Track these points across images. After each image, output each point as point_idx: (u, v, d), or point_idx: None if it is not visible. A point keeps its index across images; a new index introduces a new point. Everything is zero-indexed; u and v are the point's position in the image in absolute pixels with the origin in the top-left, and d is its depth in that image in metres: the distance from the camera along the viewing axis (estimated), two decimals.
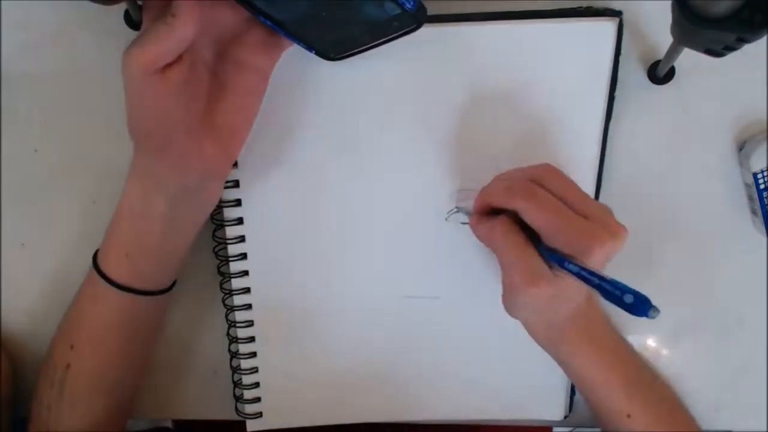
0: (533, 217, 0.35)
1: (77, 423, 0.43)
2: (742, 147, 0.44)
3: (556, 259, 0.35)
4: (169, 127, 0.34)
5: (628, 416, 0.43)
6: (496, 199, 0.38)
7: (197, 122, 0.36)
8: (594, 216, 0.36)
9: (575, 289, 0.37)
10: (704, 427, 0.49)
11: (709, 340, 0.48)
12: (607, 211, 0.37)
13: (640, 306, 0.32)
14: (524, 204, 0.36)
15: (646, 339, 0.48)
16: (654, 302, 0.33)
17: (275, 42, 0.37)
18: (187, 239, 0.41)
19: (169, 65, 0.32)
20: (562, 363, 0.44)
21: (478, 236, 0.40)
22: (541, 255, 0.36)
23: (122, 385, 0.45)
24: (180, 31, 0.31)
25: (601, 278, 0.33)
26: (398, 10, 0.33)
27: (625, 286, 0.32)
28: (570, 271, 0.35)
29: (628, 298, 0.32)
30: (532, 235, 0.37)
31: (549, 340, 0.42)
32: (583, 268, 0.34)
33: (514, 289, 0.37)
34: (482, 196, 0.39)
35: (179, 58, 0.33)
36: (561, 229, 0.35)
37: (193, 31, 0.31)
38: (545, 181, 0.37)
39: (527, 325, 0.42)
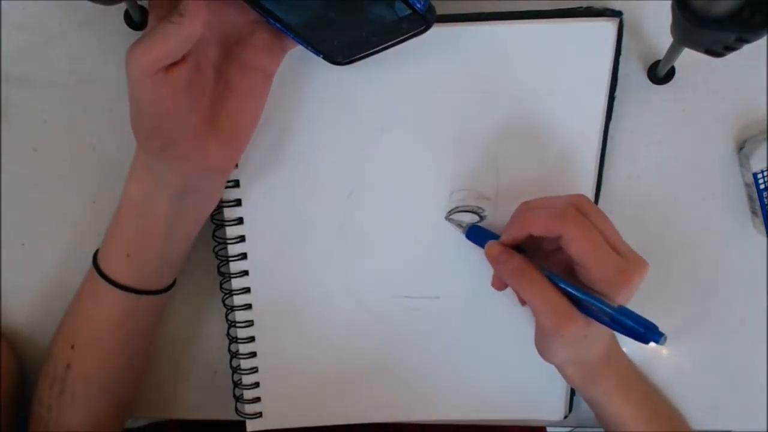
0: (580, 246, 0.35)
1: (78, 423, 0.43)
2: (742, 147, 0.44)
3: (583, 298, 0.36)
4: (174, 126, 0.34)
5: None
6: (540, 225, 0.37)
7: (202, 122, 0.36)
8: (625, 253, 0.36)
9: (605, 329, 0.38)
10: (704, 427, 0.49)
11: (709, 340, 0.48)
12: (632, 249, 0.37)
13: (652, 334, 0.34)
14: (575, 232, 0.35)
15: None
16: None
17: (280, 44, 0.37)
18: (188, 239, 0.41)
19: (173, 65, 0.32)
20: (593, 403, 0.45)
21: (501, 273, 0.39)
22: (567, 294, 0.37)
23: (123, 385, 0.45)
24: (187, 31, 0.31)
25: (627, 317, 0.35)
26: (408, 11, 0.32)
27: (640, 319, 0.35)
28: (596, 318, 0.36)
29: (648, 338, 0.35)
30: (549, 274, 0.37)
31: (584, 381, 0.43)
32: (608, 307, 0.35)
33: (546, 332, 0.38)
34: (520, 226, 0.38)
35: (183, 58, 0.32)
36: (600, 262, 0.35)
37: (200, 31, 0.31)
38: (587, 211, 0.36)
39: (562, 368, 0.42)
